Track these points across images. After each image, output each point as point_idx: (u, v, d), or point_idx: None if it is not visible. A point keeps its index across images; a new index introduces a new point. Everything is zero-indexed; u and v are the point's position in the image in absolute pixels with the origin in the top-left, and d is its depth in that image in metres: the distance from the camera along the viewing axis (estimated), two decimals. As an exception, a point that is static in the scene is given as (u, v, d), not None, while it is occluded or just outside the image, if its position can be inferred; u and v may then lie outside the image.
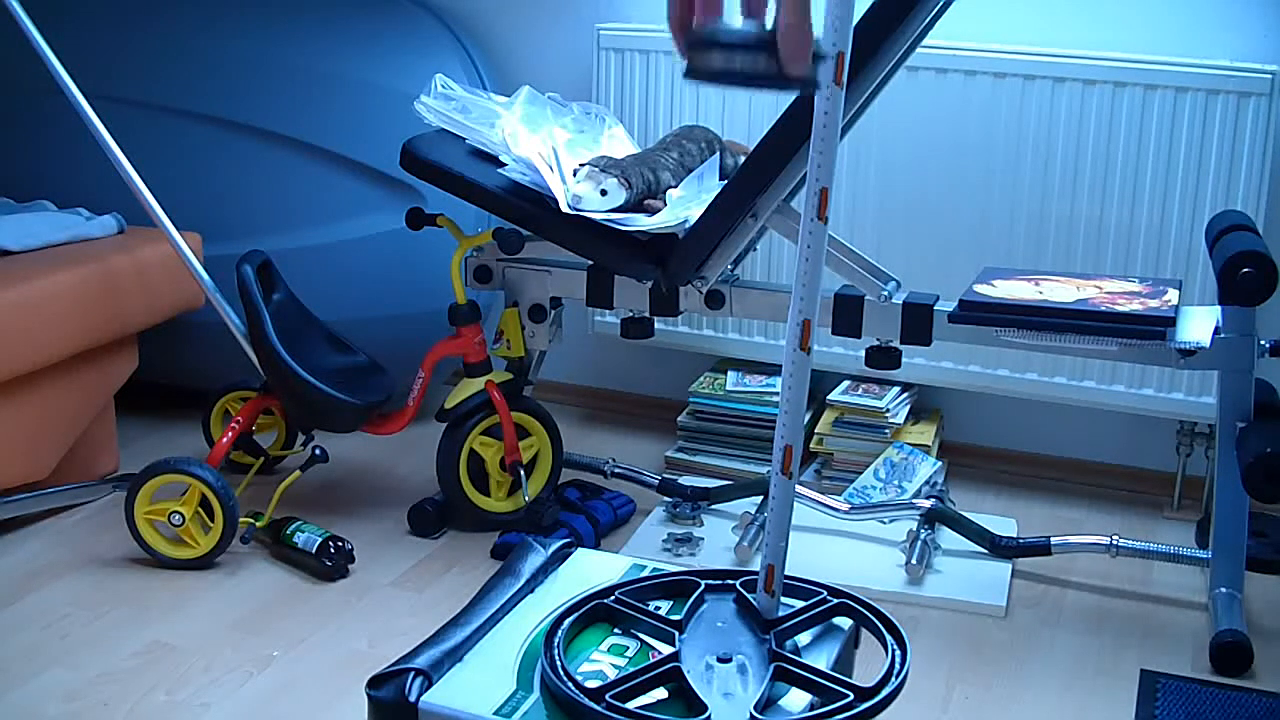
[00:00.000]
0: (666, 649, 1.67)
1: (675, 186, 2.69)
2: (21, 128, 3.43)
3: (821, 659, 1.70)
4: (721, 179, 2.74)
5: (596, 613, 1.77)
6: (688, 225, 2.59)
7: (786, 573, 1.74)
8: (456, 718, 1.56)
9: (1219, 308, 2.42)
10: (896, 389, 3.17)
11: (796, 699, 1.60)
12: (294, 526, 2.71)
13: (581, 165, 2.64)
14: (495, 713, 1.55)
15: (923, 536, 2.74)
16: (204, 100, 3.30)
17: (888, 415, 3.08)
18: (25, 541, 2.79)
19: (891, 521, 2.86)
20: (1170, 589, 2.68)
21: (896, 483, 2.94)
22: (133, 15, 3.44)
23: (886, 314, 2.58)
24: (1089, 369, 3.00)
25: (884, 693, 1.56)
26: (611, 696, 1.54)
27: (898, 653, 1.67)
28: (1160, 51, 2.87)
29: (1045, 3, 3.00)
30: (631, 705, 1.53)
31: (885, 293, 2.57)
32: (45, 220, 3.05)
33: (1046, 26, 2.99)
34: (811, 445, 3.14)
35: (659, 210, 2.62)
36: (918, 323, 2.56)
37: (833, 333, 2.62)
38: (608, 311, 3.22)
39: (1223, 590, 2.48)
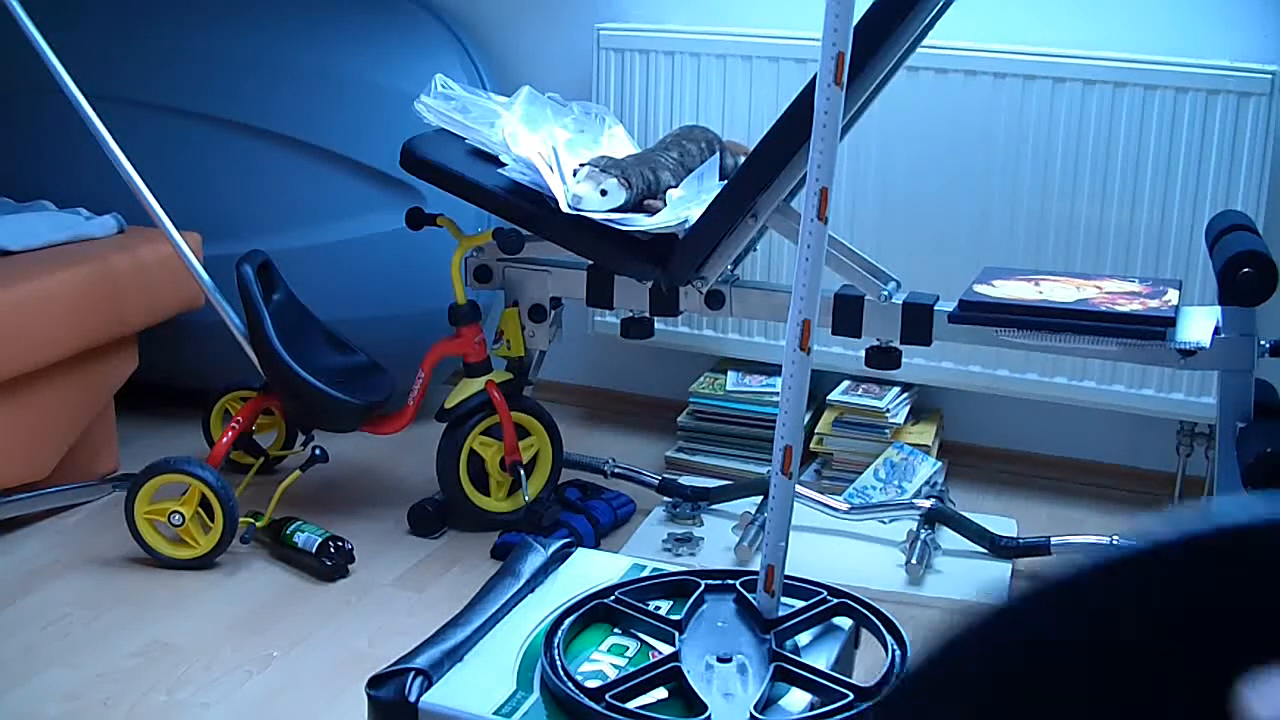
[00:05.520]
0: (666, 649, 1.68)
1: (675, 186, 2.69)
2: (21, 127, 3.43)
3: (821, 659, 1.71)
4: (721, 179, 2.74)
5: (596, 613, 1.77)
6: (688, 225, 2.59)
7: (786, 573, 1.75)
8: (456, 717, 1.57)
9: (1219, 308, 2.42)
10: (896, 389, 3.17)
11: (796, 699, 1.60)
12: (294, 526, 2.71)
13: (581, 165, 2.64)
14: (495, 712, 1.55)
15: (923, 536, 2.74)
16: (203, 100, 3.30)
17: (888, 415, 3.08)
18: (25, 541, 2.79)
19: (891, 521, 2.86)
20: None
21: (896, 483, 2.94)
22: (133, 15, 3.44)
23: (886, 314, 2.58)
24: (1089, 369, 3.00)
25: (884, 692, 1.56)
26: (612, 696, 1.54)
27: (898, 652, 1.67)
28: (1160, 51, 2.87)
29: (1045, 3, 3.00)
30: (631, 705, 1.54)
31: (885, 293, 2.57)
32: (45, 220, 3.05)
33: (1046, 26, 2.99)
34: (811, 445, 3.14)
35: (659, 210, 2.62)
36: (918, 323, 2.56)
37: (833, 333, 2.62)
38: (608, 311, 3.23)
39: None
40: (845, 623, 1.79)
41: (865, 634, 1.80)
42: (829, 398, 3.15)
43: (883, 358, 2.62)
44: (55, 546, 2.77)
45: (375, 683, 1.62)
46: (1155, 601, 0.29)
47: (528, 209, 2.66)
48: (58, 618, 2.49)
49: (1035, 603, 0.32)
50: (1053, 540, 2.68)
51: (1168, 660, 0.28)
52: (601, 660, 1.68)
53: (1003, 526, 2.85)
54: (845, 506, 2.85)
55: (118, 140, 2.74)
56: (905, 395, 3.19)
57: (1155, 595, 0.29)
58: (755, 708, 1.53)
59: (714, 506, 2.95)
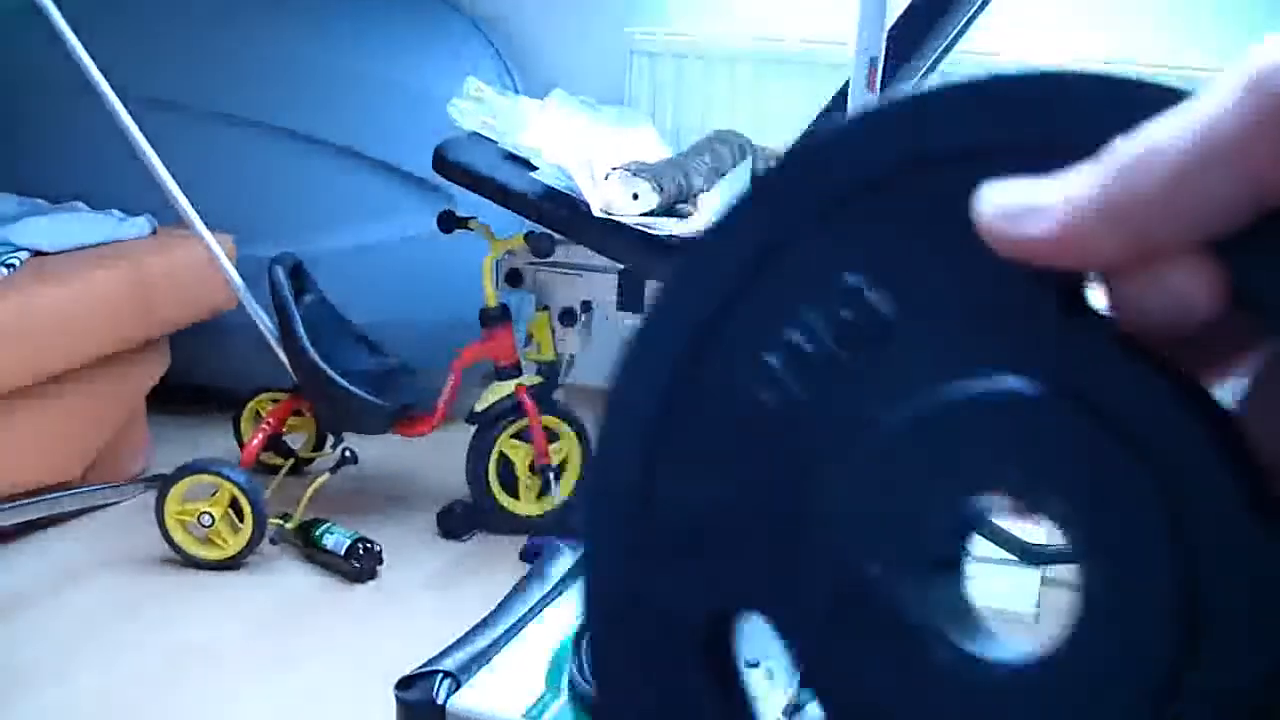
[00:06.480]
0: (694, 653, 1.67)
1: (707, 191, 2.68)
2: (55, 128, 3.44)
3: (850, 665, 1.70)
4: (753, 183, 2.73)
5: (624, 616, 1.77)
6: (719, 230, 2.58)
7: (816, 578, 1.74)
8: (484, 720, 1.57)
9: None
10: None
11: (825, 705, 1.59)
12: (323, 528, 2.71)
13: (613, 169, 2.64)
14: (523, 716, 1.55)
15: (952, 543, 2.72)
16: (236, 101, 3.31)
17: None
18: (57, 541, 2.80)
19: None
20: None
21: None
22: (166, 16, 3.45)
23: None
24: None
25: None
26: (639, 700, 1.53)
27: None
28: (1189, 55, 2.85)
29: (1074, 9, 2.99)
30: (659, 709, 1.53)
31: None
32: (78, 221, 3.07)
33: (1076, 32, 2.98)
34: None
35: (691, 215, 2.62)
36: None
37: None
38: (638, 315, 3.21)
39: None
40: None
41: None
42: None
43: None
44: (86, 546, 2.78)
45: (403, 685, 1.62)
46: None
47: (559, 212, 2.66)
48: (89, 617, 2.50)
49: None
50: (1084, 548, 2.66)
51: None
52: (629, 664, 1.68)
53: (1032, 533, 2.83)
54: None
55: (150, 141, 2.75)
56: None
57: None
58: (783, 713, 1.52)
59: (743, 512, 2.93)
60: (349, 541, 2.66)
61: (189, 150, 3.20)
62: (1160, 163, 0.31)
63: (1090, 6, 2.99)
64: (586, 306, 2.91)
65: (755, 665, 1.63)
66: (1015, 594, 2.62)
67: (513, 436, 2.82)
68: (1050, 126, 0.34)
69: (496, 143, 2.80)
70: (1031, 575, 2.69)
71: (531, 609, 1.80)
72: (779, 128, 3.12)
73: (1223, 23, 2.91)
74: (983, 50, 2.90)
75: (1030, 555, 2.72)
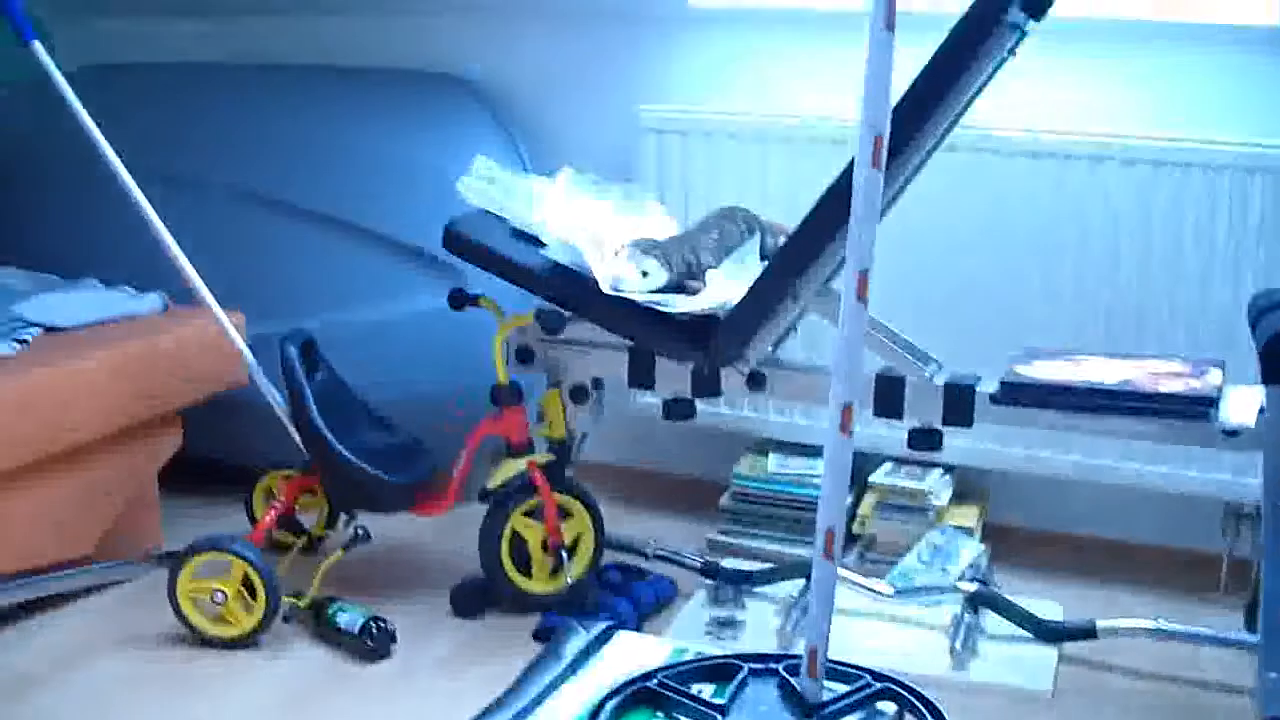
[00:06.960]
0: (709, 734, 1.66)
1: (716, 267, 2.69)
2: (68, 205, 3.47)
3: (865, 744, 1.69)
4: (762, 259, 2.75)
5: (639, 696, 1.76)
6: (729, 307, 2.59)
7: (829, 656, 1.73)
8: (498, 802, 1.56)
9: (1263, 387, 2.40)
10: (939, 470, 3.15)
11: (840, 785, 1.59)
12: (336, 607, 2.70)
13: (622, 246, 2.65)
14: (537, 798, 1.54)
15: (967, 620, 2.71)
16: (248, 179, 3.33)
17: (930, 497, 3.06)
18: (68, 618, 2.80)
19: (935, 605, 2.83)
20: (1218, 673, 2.64)
21: (940, 565, 2.91)
22: (178, 95, 3.49)
23: (928, 395, 2.57)
24: (1133, 449, 2.97)
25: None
26: (654, 782, 1.53)
27: (942, 738, 1.65)
28: (1198, 129, 2.87)
29: (1081, 83, 3.00)
30: (674, 791, 1.53)
31: (927, 374, 2.56)
32: (92, 297, 3.09)
33: (1083, 106, 2.99)
34: (854, 528, 3.12)
35: (700, 291, 2.63)
36: (959, 404, 2.55)
37: (875, 414, 2.61)
38: (649, 392, 3.21)
39: (1271, 675, 2.44)
40: (889, 708, 1.77)
41: (909, 719, 1.78)
42: (871, 479, 3.13)
43: (924, 439, 2.60)
44: (98, 624, 2.78)
45: (416, 766, 1.62)
46: None
47: (569, 290, 2.67)
48: (100, 696, 2.49)
49: None
50: (1098, 624, 2.65)
51: None
52: (644, 745, 1.67)
53: (1048, 610, 2.82)
54: (889, 590, 2.82)
55: (163, 219, 2.77)
56: (948, 476, 3.17)
57: None
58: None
59: (756, 589, 2.93)
60: (362, 620, 2.65)
61: (201, 227, 3.22)
62: None
63: (1090, 82, 3.01)
64: (597, 383, 2.91)
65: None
66: (1031, 672, 2.60)
67: (525, 514, 2.82)
68: None
69: (506, 220, 2.82)
70: (1048, 653, 2.68)
71: (545, 689, 1.79)
72: (786, 203, 3.14)
73: (1215, 97, 2.92)
74: (985, 126, 2.92)
75: (1046, 632, 2.71)
